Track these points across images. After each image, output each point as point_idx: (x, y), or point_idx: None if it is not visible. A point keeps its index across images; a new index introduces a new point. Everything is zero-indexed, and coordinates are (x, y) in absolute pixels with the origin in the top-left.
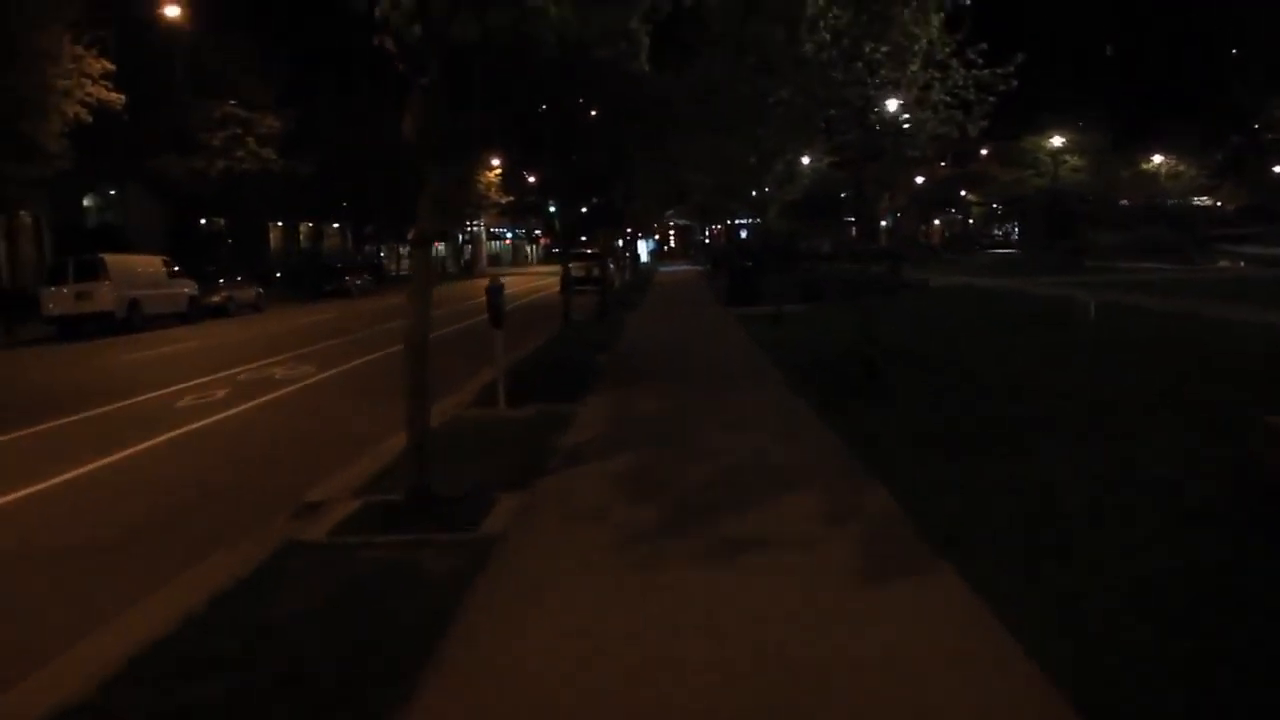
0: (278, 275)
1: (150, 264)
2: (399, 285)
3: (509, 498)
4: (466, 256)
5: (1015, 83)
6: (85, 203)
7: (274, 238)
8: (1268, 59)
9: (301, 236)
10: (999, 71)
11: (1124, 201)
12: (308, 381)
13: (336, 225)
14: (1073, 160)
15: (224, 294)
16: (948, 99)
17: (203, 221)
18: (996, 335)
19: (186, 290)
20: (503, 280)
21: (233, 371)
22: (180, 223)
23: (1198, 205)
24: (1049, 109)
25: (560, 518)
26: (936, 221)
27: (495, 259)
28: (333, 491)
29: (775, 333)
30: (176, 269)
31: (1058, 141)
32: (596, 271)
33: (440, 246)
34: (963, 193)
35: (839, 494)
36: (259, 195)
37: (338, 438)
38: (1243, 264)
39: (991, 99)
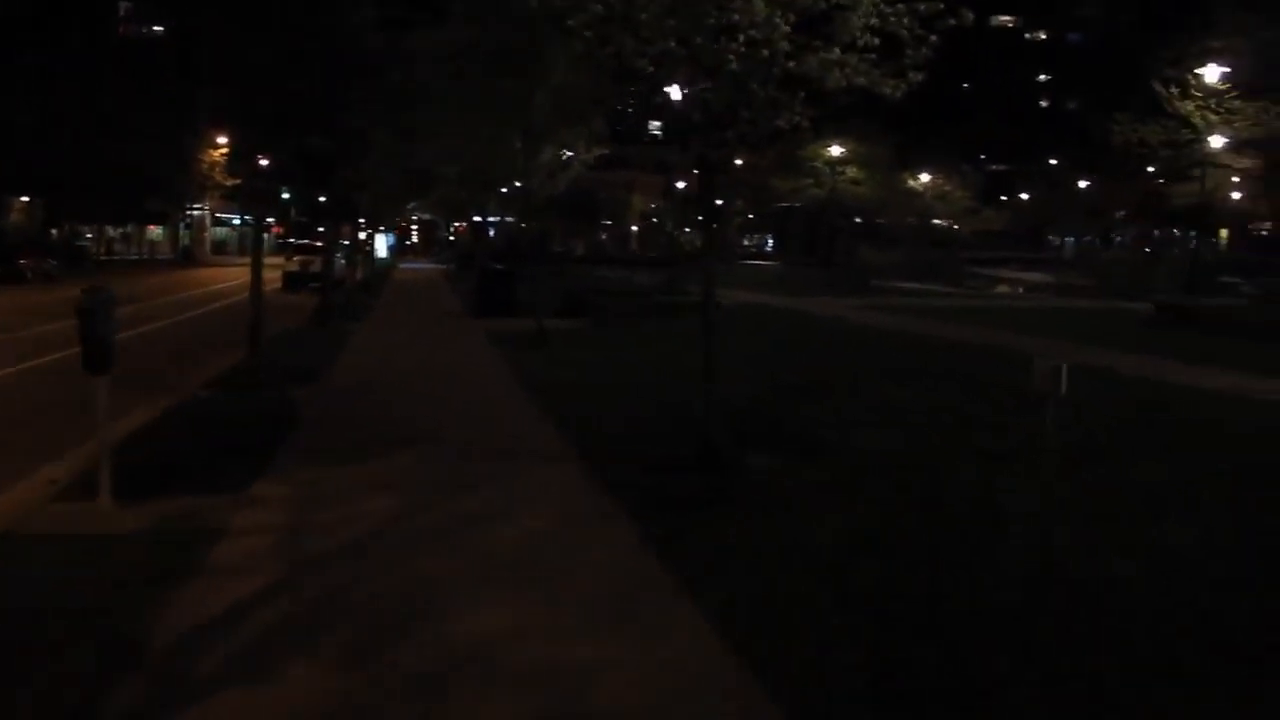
0: None
1: None
2: (105, 273)
3: None
4: (185, 243)
5: (971, 16)
6: None
7: None
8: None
9: None
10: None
11: (880, 220)
12: None
13: (26, 199)
14: (851, 172)
15: None
16: (872, 28)
17: None
18: (871, 390)
19: None
20: (111, 290)
21: None
22: None
23: (937, 226)
24: (832, 117)
25: None
26: (688, 229)
27: (221, 246)
28: None
29: (543, 362)
30: None
31: (837, 151)
32: (316, 268)
33: (156, 230)
34: (718, 201)
35: None
36: None
37: None
38: (1022, 290)
39: (932, 39)
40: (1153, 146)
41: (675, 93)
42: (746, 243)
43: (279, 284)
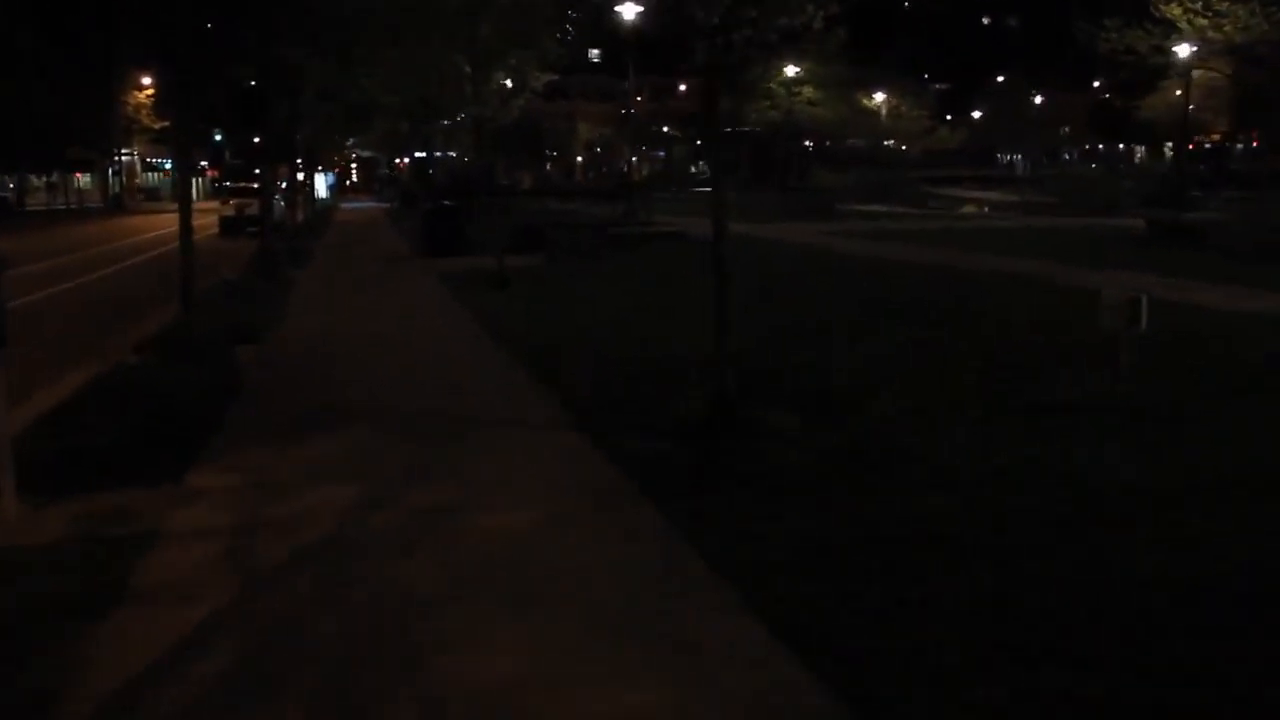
0: None
1: None
2: (26, 224)
3: None
4: (115, 190)
5: None
6: None
7: None
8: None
9: None
10: None
11: (828, 142)
12: None
13: None
14: (808, 92)
15: None
16: None
17: None
18: (878, 332)
19: None
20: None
21: None
22: None
23: (886, 146)
24: (783, 34)
25: None
26: (634, 159)
27: (153, 193)
28: None
29: (506, 306)
30: None
31: (792, 71)
32: (253, 211)
33: (83, 177)
34: (664, 128)
35: None
36: None
37: None
38: (987, 210)
39: None
40: (1140, 54)
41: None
42: (693, 170)
43: (215, 229)
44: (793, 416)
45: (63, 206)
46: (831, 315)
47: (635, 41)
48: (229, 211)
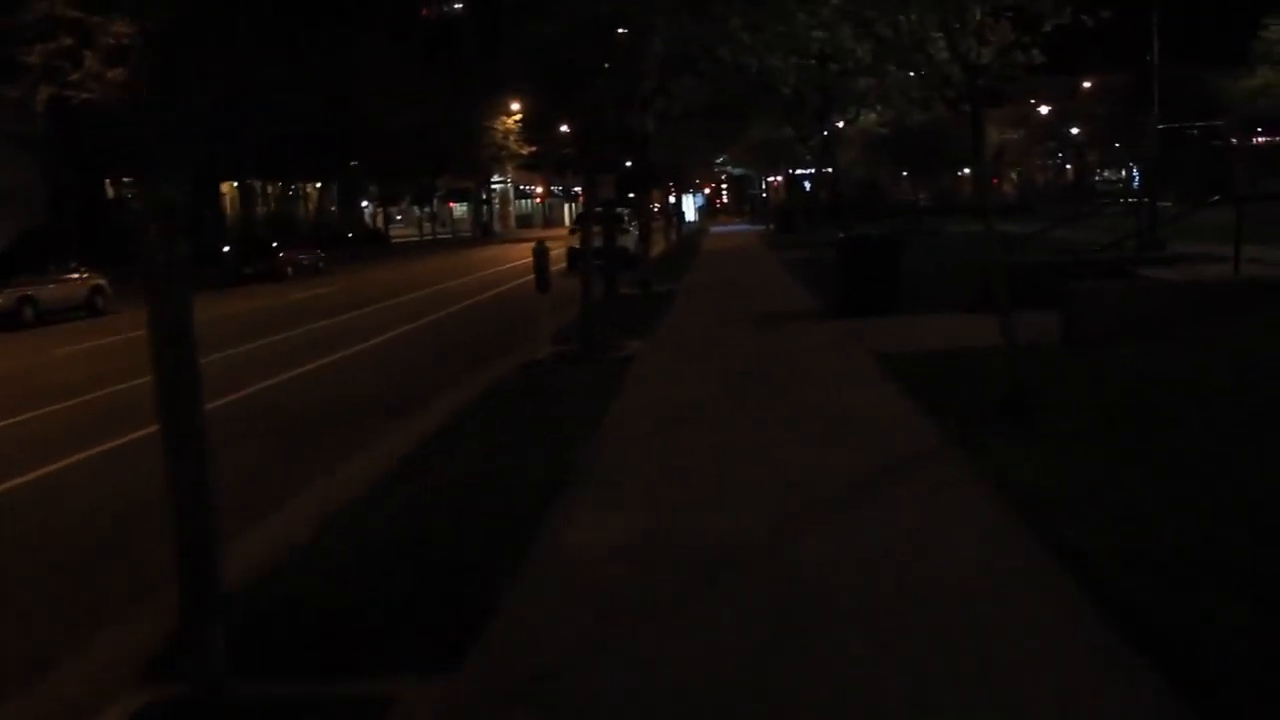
0: (224, 250)
1: None
2: (389, 259)
3: None
4: (485, 217)
5: None
6: None
7: (230, 203)
8: None
9: (271, 199)
10: None
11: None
12: None
13: (319, 185)
14: None
15: (12, 294)
16: None
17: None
18: None
19: None
20: None
21: None
22: (78, 186)
23: None
24: None
25: None
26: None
27: (525, 220)
28: None
29: (1067, 482)
30: None
31: None
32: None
33: (457, 206)
34: (1074, 130)
35: None
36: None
37: None
38: None
39: None
40: None
41: None
42: (1097, 178)
43: (565, 265)
44: None
45: (429, 237)
46: None
47: None
48: (576, 242)
